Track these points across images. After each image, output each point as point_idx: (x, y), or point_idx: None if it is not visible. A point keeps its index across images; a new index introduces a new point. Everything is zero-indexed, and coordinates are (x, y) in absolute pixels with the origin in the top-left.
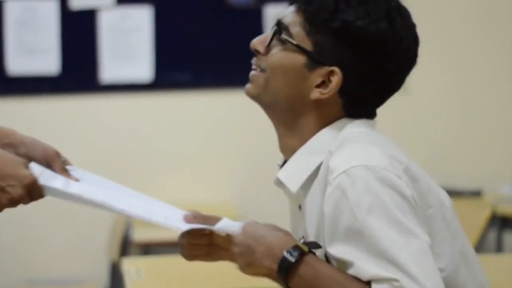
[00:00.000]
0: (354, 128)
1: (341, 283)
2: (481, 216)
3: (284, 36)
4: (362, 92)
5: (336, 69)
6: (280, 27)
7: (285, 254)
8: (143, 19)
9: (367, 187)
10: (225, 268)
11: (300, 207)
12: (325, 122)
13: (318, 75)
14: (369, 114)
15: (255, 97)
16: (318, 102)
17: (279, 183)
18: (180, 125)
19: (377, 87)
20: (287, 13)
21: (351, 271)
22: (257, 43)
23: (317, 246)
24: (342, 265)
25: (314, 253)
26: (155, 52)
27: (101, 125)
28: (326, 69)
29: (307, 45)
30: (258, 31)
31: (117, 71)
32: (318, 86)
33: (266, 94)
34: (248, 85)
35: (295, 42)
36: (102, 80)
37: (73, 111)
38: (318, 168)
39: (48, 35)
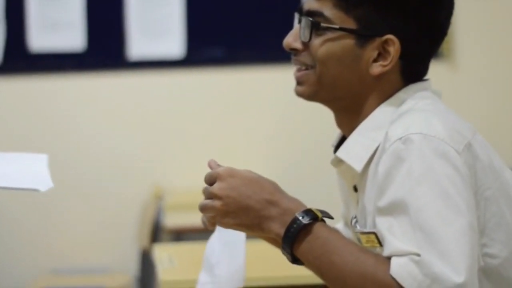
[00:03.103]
0: (417, 99)
1: (352, 254)
2: None
3: (323, 24)
4: (420, 49)
5: (390, 36)
6: (314, 16)
7: (298, 215)
8: None
9: (421, 157)
10: (259, 255)
11: (355, 187)
12: (386, 95)
13: (372, 49)
14: (425, 72)
15: (311, 97)
16: (379, 77)
17: (337, 162)
18: (213, 104)
19: (432, 38)
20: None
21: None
22: (291, 41)
23: (330, 216)
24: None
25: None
26: (187, 26)
27: (129, 104)
28: (379, 40)
29: (350, 23)
30: (295, 2)
31: (146, 46)
32: (375, 60)
33: (323, 90)
34: (298, 87)
35: (337, 26)
36: (130, 56)
37: (99, 89)
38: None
39: (72, 9)
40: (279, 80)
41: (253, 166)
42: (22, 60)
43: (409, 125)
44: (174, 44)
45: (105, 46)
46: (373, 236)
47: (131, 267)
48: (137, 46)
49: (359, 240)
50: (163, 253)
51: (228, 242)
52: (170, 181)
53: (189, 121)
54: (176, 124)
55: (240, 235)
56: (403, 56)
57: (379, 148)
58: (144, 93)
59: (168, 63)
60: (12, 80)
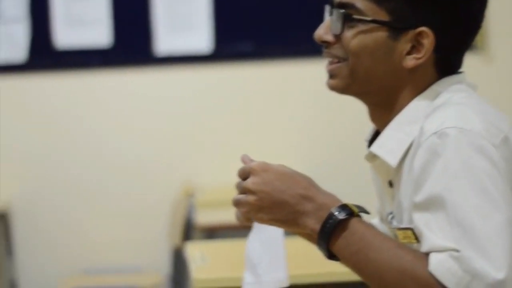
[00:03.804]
0: (452, 93)
1: (390, 250)
2: None
3: (355, 16)
4: (454, 41)
5: (424, 29)
6: (346, 7)
7: (333, 210)
8: None
9: (457, 151)
10: (294, 252)
11: (390, 183)
12: (420, 89)
13: (405, 42)
14: (460, 65)
15: (344, 90)
16: (412, 70)
17: (371, 157)
18: (242, 99)
19: (466, 30)
20: None
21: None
22: (322, 33)
23: (366, 211)
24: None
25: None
26: (215, 21)
27: (157, 100)
28: (412, 32)
29: (383, 15)
30: None
31: (173, 42)
32: (408, 53)
33: (356, 83)
34: (330, 81)
35: (369, 18)
36: (157, 52)
37: (126, 86)
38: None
39: (98, 4)
40: (309, 74)
41: (283, 161)
42: (47, 57)
43: (444, 119)
44: (202, 39)
45: (131, 42)
46: (410, 232)
47: (163, 266)
48: (164, 41)
49: (395, 236)
50: (195, 251)
51: (267, 239)
52: (201, 178)
53: (218, 117)
54: (205, 120)
55: (278, 231)
56: (437, 48)
57: (414, 143)
58: (172, 89)
59: (195, 58)
60: (38, 77)
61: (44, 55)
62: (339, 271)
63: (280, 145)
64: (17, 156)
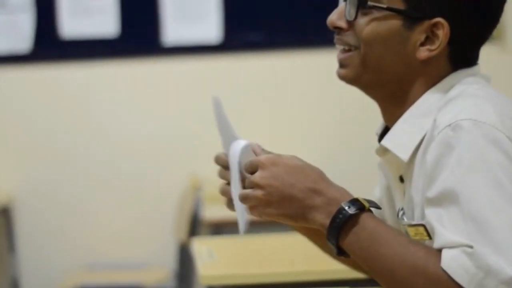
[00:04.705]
0: (466, 85)
1: (401, 246)
2: None
3: (370, 2)
4: (470, 34)
5: (439, 19)
6: None
7: (343, 205)
8: None
9: (471, 144)
10: (302, 249)
11: (401, 178)
12: (433, 81)
13: (420, 32)
14: (475, 58)
15: (354, 80)
16: (425, 61)
17: (382, 151)
18: (251, 90)
19: (483, 24)
20: None
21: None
22: (335, 19)
23: (377, 206)
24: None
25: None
26: (224, 10)
27: (165, 91)
28: (427, 23)
29: (399, 4)
30: None
31: (182, 31)
32: (422, 44)
33: (367, 72)
34: (340, 70)
35: (385, 6)
36: (165, 41)
37: (133, 76)
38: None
39: None
40: (319, 64)
41: (292, 151)
42: (53, 47)
43: (458, 111)
44: (211, 28)
45: (139, 31)
46: (422, 229)
47: (169, 261)
48: (173, 31)
49: (406, 233)
50: (202, 247)
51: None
52: (208, 171)
53: (227, 108)
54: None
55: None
56: (452, 41)
57: (427, 136)
58: (180, 80)
59: (204, 48)
60: (43, 67)
61: (50, 45)
62: (338, 268)
63: (290, 135)
64: (19, 148)
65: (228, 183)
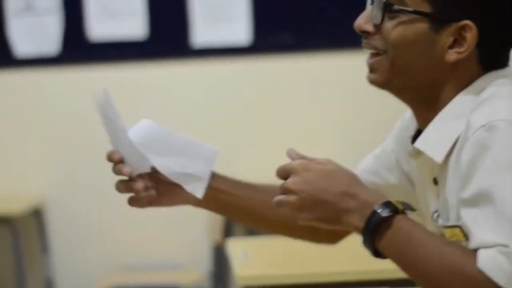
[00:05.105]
0: (499, 86)
1: (437, 248)
2: None
3: (396, 6)
4: (498, 37)
5: (467, 22)
6: None
7: (377, 208)
8: None
9: (507, 144)
10: (337, 249)
11: (435, 180)
12: (463, 84)
13: (447, 35)
14: (505, 60)
15: (384, 85)
16: (455, 64)
17: (416, 154)
18: (281, 92)
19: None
20: None
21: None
22: (362, 22)
23: (412, 208)
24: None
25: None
26: (254, 12)
27: (194, 93)
28: (455, 25)
29: (425, 7)
30: None
31: (211, 33)
32: (450, 47)
33: (396, 77)
34: (371, 75)
35: (411, 9)
36: (194, 44)
37: (162, 79)
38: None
39: None
40: (349, 66)
41: (321, 154)
42: (81, 49)
43: (492, 112)
44: (241, 30)
45: (168, 34)
46: (457, 230)
47: (204, 262)
48: (202, 33)
49: (442, 235)
50: (237, 248)
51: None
52: (242, 172)
53: (257, 110)
54: (244, 113)
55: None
56: (481, 43)
57: (461, 138)
58: (210, 82)
59: (234, 50)
60: (72, 70)
61: (78, 48)
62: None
63: (320, 138)
64: (51, 149)
65: (125, 180)
